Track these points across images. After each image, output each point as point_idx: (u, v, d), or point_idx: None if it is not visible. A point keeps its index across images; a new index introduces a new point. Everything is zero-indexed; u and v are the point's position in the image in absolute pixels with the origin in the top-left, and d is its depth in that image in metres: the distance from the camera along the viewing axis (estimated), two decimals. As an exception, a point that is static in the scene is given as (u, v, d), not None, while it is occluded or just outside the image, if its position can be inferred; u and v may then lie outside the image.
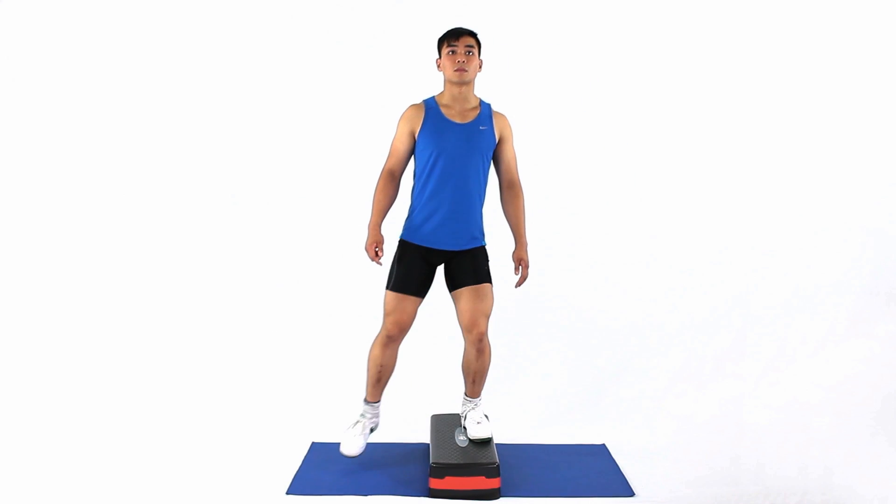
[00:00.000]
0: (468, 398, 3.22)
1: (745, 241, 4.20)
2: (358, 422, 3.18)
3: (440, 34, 3.06)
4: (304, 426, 3.58)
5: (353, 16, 4.26)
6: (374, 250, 3.02)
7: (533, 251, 3.15)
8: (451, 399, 3.46)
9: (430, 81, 4.23)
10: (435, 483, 2.90)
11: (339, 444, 3.32)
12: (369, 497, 2.90)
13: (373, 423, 3.21)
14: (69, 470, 3.13)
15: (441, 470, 2.89)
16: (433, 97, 3.09)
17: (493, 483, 2.89)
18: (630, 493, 2.98)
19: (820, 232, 4.18)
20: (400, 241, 3.11)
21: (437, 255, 3.07)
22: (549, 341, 4.10)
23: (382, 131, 4.33)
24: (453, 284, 3.09)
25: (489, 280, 3.08)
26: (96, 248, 4.27)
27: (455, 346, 3.40)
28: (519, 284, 3.17)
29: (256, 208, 4.27)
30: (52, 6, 4.27)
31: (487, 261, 3.12)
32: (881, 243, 4.15)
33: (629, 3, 4.26)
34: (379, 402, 3.22)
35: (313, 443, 3.44)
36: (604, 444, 3.45)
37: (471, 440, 3.13)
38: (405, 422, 3.62)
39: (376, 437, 3.49)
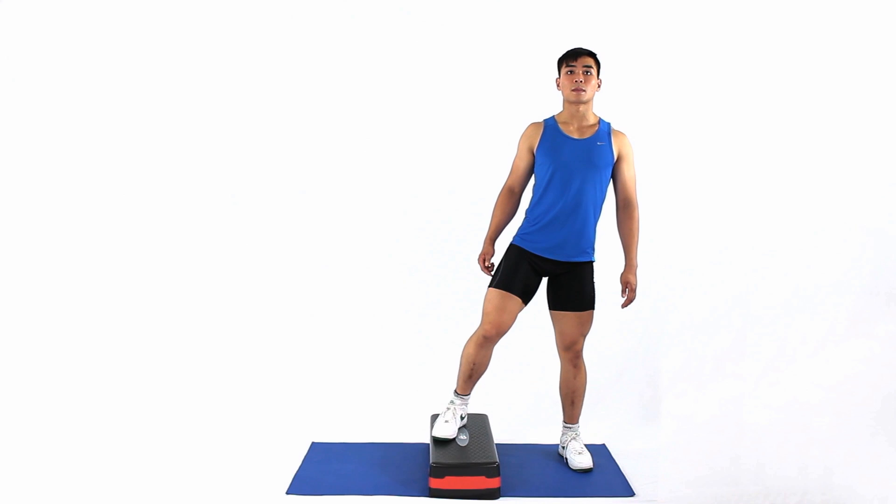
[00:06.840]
0: (567, 425, 3.23)
1: (745, 241, 4.19)
2: (448, 408, 3.20)
3: (559, 54, 3.06)
4: (304, 426, 3.58)
5: (351, 16, 4.25)
6: (484, 263, 3.15)
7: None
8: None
9: (427, 82, 4.24)
10: (435, 483, 2.89)
11: (339, 444, 3.33)
12: (369, 497, 2.90)
13: (462, 410, 3.22)
14: (69, 470, 3.13)
15: (441, 470, 2.89)
16: (553, 116, 3.12)
17: (493, 483, 2.89)
18: (630, 493, 2.98)
19: (820, 232, 4.17)
20: (510, 246, 3.12)
21: (544, 263, 3.07)
22: (550, 341, 4.09)
23: (383, 131, 4.37)
24: (556, 304, 3.11)
25: (593, 307, 3.11)
26: (96, 248, 4.27)
27: (454, 345, 3.40)
28: (624, 306, 3.17)
29: (256, 208, 4.26)
30: (52, 6, 4.26)
31: (593, 281, 3.12)
32: (881, 243, 4.13)
33: (624, 3, 4.27)
34: (469, 395, 3.23)
35: (313, 443, 3.43)
36: (604, 444, 3.45)
37: (573, 470, 3.14)
38: (405, 422, 3.62)
39: (376, 437, 3.50)
